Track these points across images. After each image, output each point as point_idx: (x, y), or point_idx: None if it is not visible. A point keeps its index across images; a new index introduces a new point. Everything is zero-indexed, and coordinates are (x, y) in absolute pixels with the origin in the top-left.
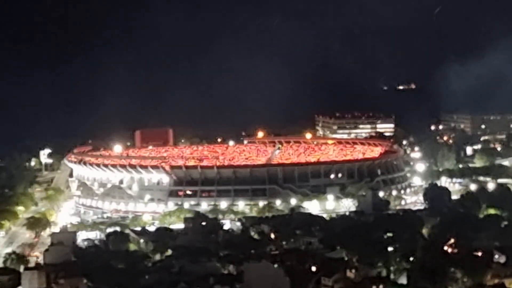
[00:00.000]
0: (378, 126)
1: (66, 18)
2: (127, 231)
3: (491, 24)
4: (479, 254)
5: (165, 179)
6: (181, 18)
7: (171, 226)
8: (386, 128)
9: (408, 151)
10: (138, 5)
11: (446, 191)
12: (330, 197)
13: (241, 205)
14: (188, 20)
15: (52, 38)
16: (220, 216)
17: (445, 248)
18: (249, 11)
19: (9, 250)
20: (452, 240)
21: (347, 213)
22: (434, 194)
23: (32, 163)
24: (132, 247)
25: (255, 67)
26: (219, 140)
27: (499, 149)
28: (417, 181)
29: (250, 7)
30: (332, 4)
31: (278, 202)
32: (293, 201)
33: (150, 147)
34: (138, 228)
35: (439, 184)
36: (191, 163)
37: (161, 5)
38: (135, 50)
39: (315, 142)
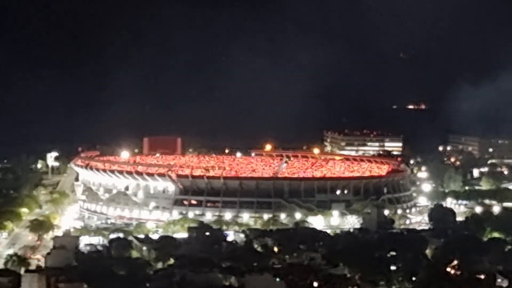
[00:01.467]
0: (386, 144)
1: (77, 22)
2: (130, 238)
3: (506, 48)
4: (482, 277)
5: (171, 187)
6: (194, 27)
7: (175, 235)
8: (394, 146)
9: (415, 171)
10: (151, 13)
11: (451, 212)
12: (335, 213)
13: (246, 217)
14: (201, 30)
15: (62, 41)
16: (224, 227)
17: (448, 269)
18: (263, 24)
19: (10, 251)
20: (455, 262)
21: (352, 230)
22: (439, 215)
23: (39, 166)
24: (135, 254)
25: (267, 80)
26: (226, 151)
27: (506, 173)
28: (422, 201)
29: (265, 20)
30: (346, 23)
31: (283, 216)
32: (298, 216)
33: (158, 155)
34: (142, 236)
35: (444, 205)
36: (197, 172)
37: (173, 14)
38: (147, 56)
39: (322, 158)
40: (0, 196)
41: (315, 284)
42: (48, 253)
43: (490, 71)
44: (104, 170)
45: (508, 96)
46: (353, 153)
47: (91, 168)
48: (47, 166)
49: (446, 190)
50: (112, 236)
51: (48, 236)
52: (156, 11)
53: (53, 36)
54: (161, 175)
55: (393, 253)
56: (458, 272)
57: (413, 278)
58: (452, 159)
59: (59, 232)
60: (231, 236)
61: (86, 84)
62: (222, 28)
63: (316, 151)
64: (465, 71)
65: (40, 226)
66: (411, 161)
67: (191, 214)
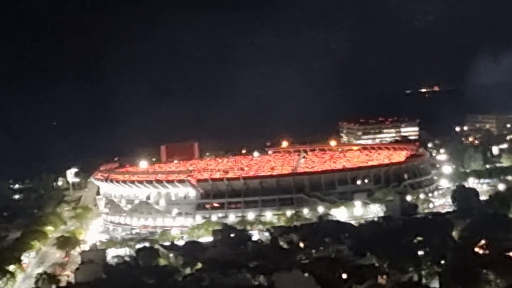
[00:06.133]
0: (402, 130)
1: (90, 35)
2: (156, 246)
3: None
4: (511, 254)
5: (192, 192)
6: (203, 29)
7: (200, 239)
8: (411, 131)
9: (434, 154)
10: (163, 20)
11: (474, 192)
12: (358, 203)
13: (269, 215)
14: (211, 32)
15: (75, 56)
16: (248, 227)
17: (476, 250)
18: (269, 18)
19: (40, 270)
20: (482, 242)
21: (376, 219)
22: (462, 196)
23: (59, 183)
24: (162, 262)
25: (277, 76)
26: (243, 151)
27: None
28: (444, 183)
29: (271, 13)
30: (354, 8)
31: (305, 211)
32: (321, 209)
33: (176, 162)
34: (167, 243)
35: (466, 186)
36: (217, 175)
37: (183, 19)
38: (158, 64)
39: (340, 149)
40: (24, 216)
41: (344, 276)
42: (77, 269)
43: (505, 46)
44: (125, 182)
45: None
46: (370, 142)
47: (111, 181)
48: (67, 182)
49: (467, 170)
50: (138, 246)
51: (75, 251)
52: (167, 18)
53: (65, 51)
54: (181, 181)
55: (420, 238)
56: (487, 252)
57: (442, 262)
58: (471, 139)
59: (85, 247)
60: (255, 236)
61: (99, 96)
62: (227, 26)
63: (333, 143)
64: (482, 46)
65: (66, 242)
66: (429, 144)
67: (214, 217)
